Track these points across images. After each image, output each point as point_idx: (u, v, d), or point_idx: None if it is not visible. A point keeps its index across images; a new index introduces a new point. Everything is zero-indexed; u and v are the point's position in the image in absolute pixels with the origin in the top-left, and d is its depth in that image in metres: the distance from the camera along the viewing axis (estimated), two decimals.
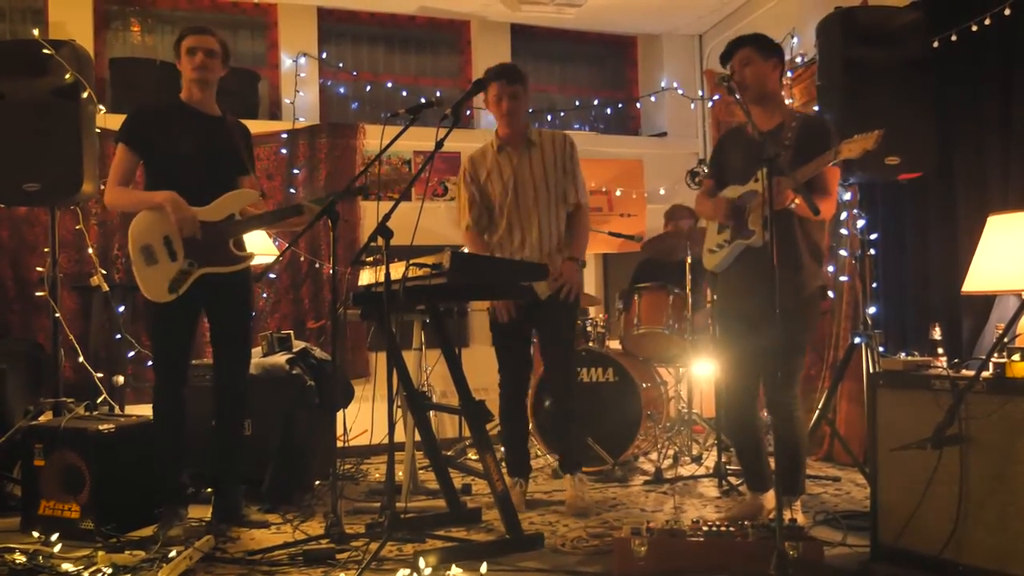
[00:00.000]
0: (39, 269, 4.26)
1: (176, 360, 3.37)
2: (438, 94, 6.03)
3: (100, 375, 4.13)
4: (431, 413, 4.31)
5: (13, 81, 3.83)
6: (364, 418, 4.55)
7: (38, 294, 4.19)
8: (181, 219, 3.21)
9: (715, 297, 3.78)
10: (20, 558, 2.88)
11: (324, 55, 5.84)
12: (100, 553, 2.89)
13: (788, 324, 2.64)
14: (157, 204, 3.24)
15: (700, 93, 6.46)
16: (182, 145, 3.32)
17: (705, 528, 2.76)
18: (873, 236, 4.22)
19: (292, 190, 5.39)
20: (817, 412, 3.92)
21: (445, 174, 5.83)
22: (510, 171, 3.72)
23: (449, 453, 4.90)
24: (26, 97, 3.82)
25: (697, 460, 4.59)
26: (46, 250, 4.11)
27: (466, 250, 3.86)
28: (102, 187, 4.12)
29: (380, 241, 2.87)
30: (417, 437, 3.71)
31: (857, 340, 3.84)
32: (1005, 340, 2.58)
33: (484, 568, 2.71)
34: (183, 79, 3.41)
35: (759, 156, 2.68)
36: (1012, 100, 3.77)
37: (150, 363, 4.69)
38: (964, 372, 2.73)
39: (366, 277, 3.56)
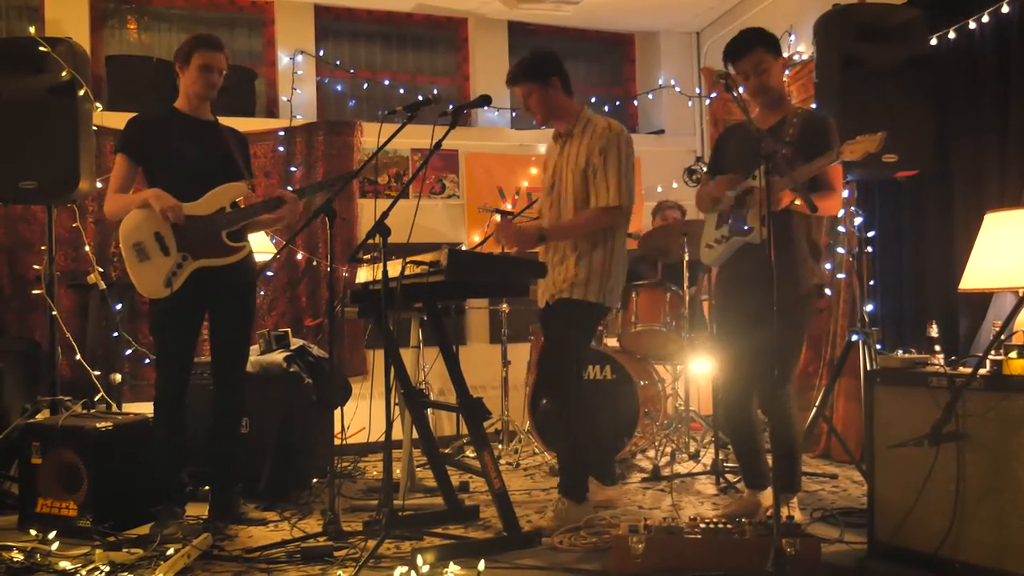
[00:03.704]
0: (36, 267, 4.25)
1: (179, 358, 3.37)
2: (435, 92, 6.00)
3: (97, 373, 4.12)
4: (429, 411, 4.32)
5: (9, 79, 3.82)
6: (362, 416, 4.55)
7: (35, 292, 4.18)
8: (164, 207, 3.20)
9: (712, 293, 3.78)
10: (18, 556, 2.87)
11: (321, 53, 5.83)
12: (98, 551, 2.89)
13: (783, 321, 2.63)
14: (143, 201, 3.25)
15: (698, 91, 6.46)
16: (180, 153, 3.33)
17: (703, 525, 2.76)
18: (870, 233, 4.22)
19: (289, 188, 5.37)
20: (814, 409, 3.92)
21: (443, 172, 5.83)
22: (552, 163, 3.49)
23: (447, 451, 4.91)
24: (22, 95, 3.82)
25: (694, 457, 4.60)
26: (43, 248, 4.10)
27: None
28: (99, 184, 4.13)
29: (378, 239, 2.87)
30: (415, 435, 3.71)
31: (854, 337, 3.84)
32: (1002, 337, 2.58)
33: (482, 566, 2.71)
34: (185, 88, 3.40)
35: (758, 152, 2.67)
36: (1009, 98, 3.77)
37: (147, 361, 4.71)
38: (961, 369, 2.74)
39: (364, 275, 3.56)
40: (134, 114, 3.49)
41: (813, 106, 4.15)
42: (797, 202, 2.93)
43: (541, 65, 3.41)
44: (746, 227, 3.13)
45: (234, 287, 3.42)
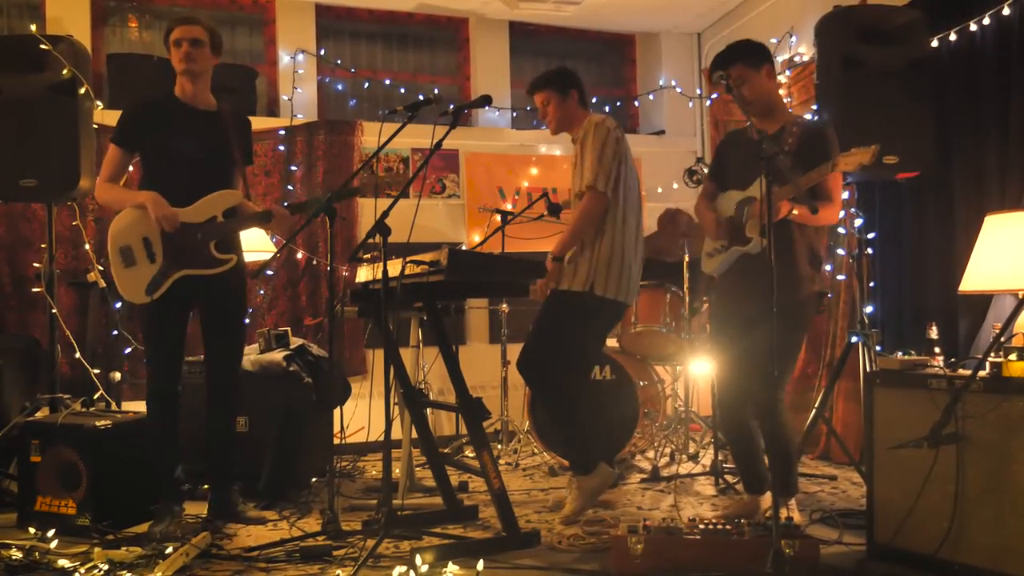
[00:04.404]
0: (36, 265, 4.25)
1: (169, 357, 3.36)
2: (436, 91, 6.01)
3: (97, 371, 4.12)
4: (428, 410, 4.32)
5: (10, 77, 3.83)
6: (361, 415, 4.55)
7: (35, 290, 4.18)
8: (161, 216, 3.19)
9: (711, 300, 3.78)
10: (16, 554, 2.88)
11: (322, 52, 5.83)
12: (96, 549, 2.90)
13: (779, 326, 2.62)
14: (139, 203, 3.24)
15: (698, 91, 6.46)
16: (174, 141, 3.31)
17: (702, 526, 2.76)
18: (871, 235, 4.22)
19: (290, 187, 5.38)
20: (814, 411, 3.92)
21: (443, 171, 5.83)
22: None
23: (446, 450, 4.91)
24: (23, 93, 3.82)
25: (694, 458, 4.60)
26: (43, 246, 4.10)
27: None
28: None
29: (378, 238, 2.87)
30: (414, 434, 3.71)
31: (854, 339, 3.84)
32: (1002, 339, 2.58)
33: (480, 565, 2.71)
34: (177, 75, 3.40)
35: (760, 154, 2.66)
36: (1010, 99, 3.77)
37: (146, 360, 4.71)
38: (961, 371, 2.74)
39: (363, 274, 3.56)
40: None
41: (813, 107, 4.15)
42: (795, 211, 2.93)
43: (563, 77, 3.66)
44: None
45: (225, 288, 3.38)
